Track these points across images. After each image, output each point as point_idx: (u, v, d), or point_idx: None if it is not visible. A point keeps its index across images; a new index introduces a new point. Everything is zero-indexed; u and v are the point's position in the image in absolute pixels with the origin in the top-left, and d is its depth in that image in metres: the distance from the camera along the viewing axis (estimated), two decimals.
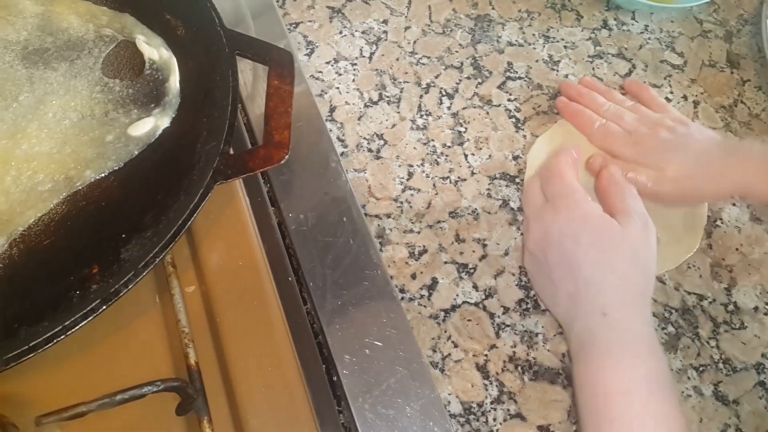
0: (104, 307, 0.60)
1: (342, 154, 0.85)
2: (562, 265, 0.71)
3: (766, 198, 0.74)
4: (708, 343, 0.76)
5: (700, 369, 0.75)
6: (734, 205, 0.84)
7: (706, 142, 0.80)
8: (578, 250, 0.69)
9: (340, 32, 0.96)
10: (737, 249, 0.82)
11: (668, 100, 0.92)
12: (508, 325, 0.76)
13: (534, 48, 0.96)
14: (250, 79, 0.87)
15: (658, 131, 0.81)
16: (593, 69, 0.94)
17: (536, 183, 0.79)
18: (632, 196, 0.75)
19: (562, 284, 0.71)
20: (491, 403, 0.72)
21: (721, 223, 0.83)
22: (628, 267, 0.69)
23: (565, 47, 0.97)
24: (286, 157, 0.70)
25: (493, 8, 1.00)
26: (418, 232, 0.81)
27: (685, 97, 0.93)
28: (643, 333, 0.67)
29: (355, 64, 0.93)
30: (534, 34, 0.98)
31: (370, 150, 0.86)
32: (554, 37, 0.98)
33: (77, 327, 0.58)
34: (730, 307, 0.79)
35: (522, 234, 0.81)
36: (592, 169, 0.82)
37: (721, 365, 0.75)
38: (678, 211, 0.82)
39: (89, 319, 0.59)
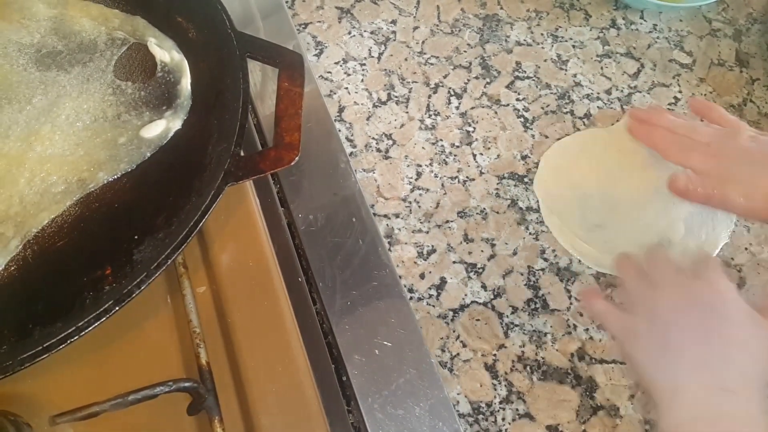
0: (117, 308, 0.60)
1: (351, 154, 0.85)
2: (695, 329, 0.61)
3: None
4: None
5: None
6: None
7: None
8: (720, 320, 0.61)
9: (349, 32, 0.96)
10: (746, 248, 0.82)
11: (677, 99, 0.93)
12: (516, 325, 0.76)
13: (542, 47, 0.97)
14: (259, 79, 0.87)
15: (739, 140, 0.72)
16: (602, 68, 0.94)
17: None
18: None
19: (687, 348, 0.61)
20: (500, 402, 0.72)
21: (730, 222, 0.83)
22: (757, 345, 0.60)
23: (573, 47, 0.97)
24: (297, 158, 0.71)
25: (501, 8, 1.00)
26: (427, 232, 0.81)
27: (693, 96, 0.93)
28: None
29: (364, 65, 0.93)
30: (542, 34, 0.98)
31: (378, 150, 0.86)
32: (562, 37, 0.98)
33: (90, 328, 0.59)
34: None
35: (530, 235, 0.81)
36: (676, 189, 0.74)
37: None
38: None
39: (102, 320, 0.60)
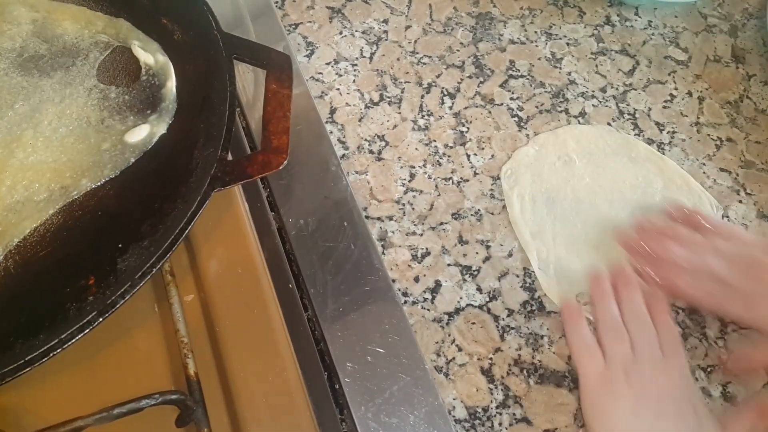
0: (101, 319, 0.59)
1: (343, 156, 0.84)
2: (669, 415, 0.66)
3: None
4: (716, 343, 0.75)
5: (708, 369, 0.73)
6: (741, 202, 0.83)
7: None
8: None
9: (340, 32, 0.95)
10: None
11: (673, 96, 0.91)
12: (512, 328, 0.75)
13: (536, 45, 0.95)
14: (252, 83, 0.86)
15: (763, 278, 0.70)
16: (596, 66, 0.93)
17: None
18: None
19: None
20: (497, 407, 0.71)
21: (728, 220, 0.82)
22: None
23: (567, 44, 0.96)
24: (285, 162, 0.70)
25: (494, 6, 0.99)
26: (421, 235, 0.80)
27: (689, 93, 0.92)
28: None
29: (356, 65, 0.92)
30: (536, 32, 0.97)
31: (371, 151, 0.85)
32: (556, 35, 0.97)
33: (74, 340, 0.58)
34: None
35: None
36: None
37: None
38: None
39: (86, 331, 0.58)
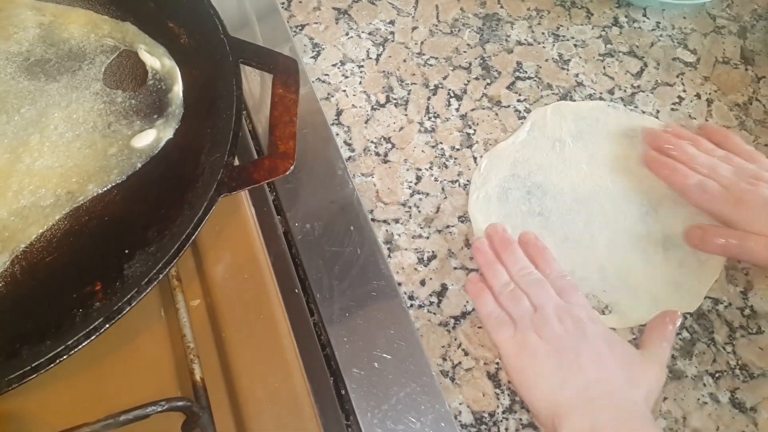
0: (107, 326, 0.59)
1: (349, 158, 0.84)
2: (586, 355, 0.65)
3: None
4: (724, 348, 0.75)
5: (716, 375, 0.73)
6: None
7: None
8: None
9: (347, 34, 0.94)
10: None
11: (681, 98, 0.91)
12: None
13: (543, 47, 0.95)
14: (258, 85, 0.86)
15: (760, 187, 0.74)
16: (604, 68, 0.93)
17: None
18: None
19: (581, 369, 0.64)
20: (503, 412, 0.71)
21: None
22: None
23: (575, 45, 0.95)
24: (291, 168, 0.70)
25: (501, 7, 0.98)
26: (427, 237, 0.80)
27: (698, 96, 0.91)
28: None
29: (362, 66, 0.92)
30: (543, 33, 0.96)
31: (377, 154, 0.85)
32: (564, 36, 0.96)
33: (80, 346, 0.58)
34: (747, 311, 0.77)
35: None
36: (692, 242, 0.77)
37: (737, 371, 0.74)
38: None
39: (92, 338, 0.58)
